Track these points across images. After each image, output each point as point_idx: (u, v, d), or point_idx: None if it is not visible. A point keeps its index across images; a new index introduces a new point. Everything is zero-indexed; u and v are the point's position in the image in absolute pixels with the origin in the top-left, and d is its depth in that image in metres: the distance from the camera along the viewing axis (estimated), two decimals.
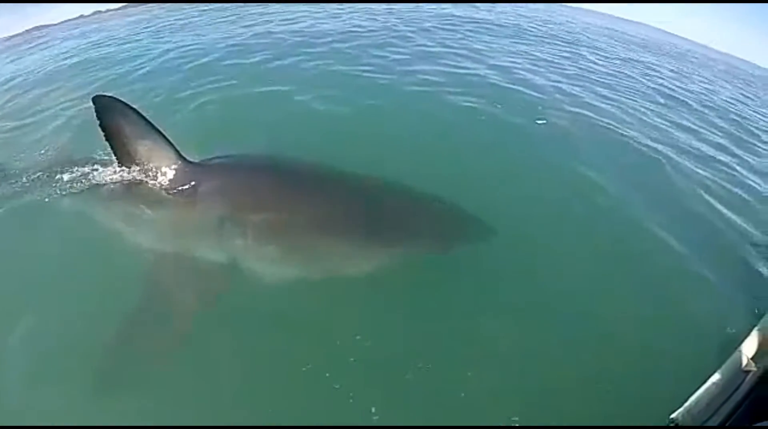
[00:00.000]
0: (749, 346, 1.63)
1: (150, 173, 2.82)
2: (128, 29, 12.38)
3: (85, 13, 19.42)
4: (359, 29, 9.10)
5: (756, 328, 1.71)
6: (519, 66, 7.44)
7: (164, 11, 14.64)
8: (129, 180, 2.86)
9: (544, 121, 4.72)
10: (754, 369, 1.54)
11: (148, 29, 11.70)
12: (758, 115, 9.45)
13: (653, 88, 8.62)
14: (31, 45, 13.36)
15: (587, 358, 2.29)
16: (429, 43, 8.31)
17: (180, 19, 12.52)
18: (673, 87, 9.53)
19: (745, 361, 1.56)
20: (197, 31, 10.09)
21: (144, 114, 2.67)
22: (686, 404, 1.41)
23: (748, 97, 11.89)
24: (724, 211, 3.94)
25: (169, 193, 2.77)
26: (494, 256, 2.72)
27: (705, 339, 2.45)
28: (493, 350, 2.25)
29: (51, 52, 11.13)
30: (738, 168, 5.32)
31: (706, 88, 11.02)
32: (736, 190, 4.55)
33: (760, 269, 3.21)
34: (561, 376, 2.15)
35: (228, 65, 6.79)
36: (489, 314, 2.43)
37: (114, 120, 2.65)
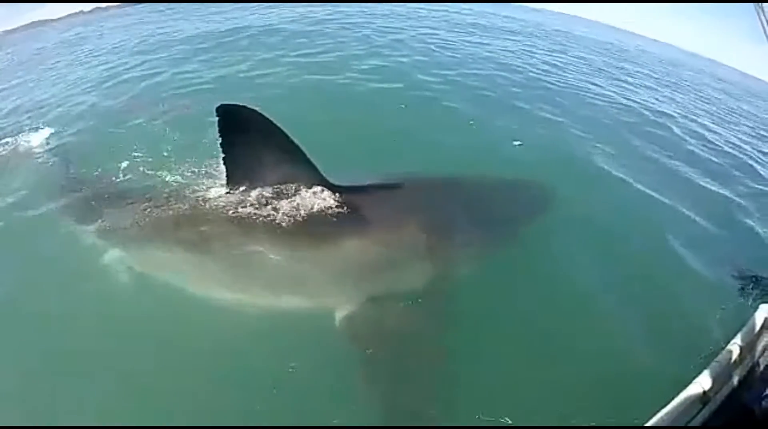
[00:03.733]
0: (726, 357, 1.67)
1: (298, 201, 2.33)
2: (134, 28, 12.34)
3: (86, 9, 19.20)
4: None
5: (733, 340, 1.77)
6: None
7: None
8: (265, 207, 2.36)
9: (521, 143, 4.88)
10: (731, 380, 1.61)
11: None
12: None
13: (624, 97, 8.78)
14: (29, 41, 13.11)
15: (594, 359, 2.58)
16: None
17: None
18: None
19: (718, 374, 1.57)
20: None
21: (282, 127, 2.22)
22: (659, 414, 1.41)
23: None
24: (717, 223, 4.22)
25: (335, 224, 2.29)
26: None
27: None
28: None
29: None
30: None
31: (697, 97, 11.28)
32: (734, 201, 4.86)
33: (749, 281, 3.47)
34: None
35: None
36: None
37: (246, 134, 2.19)
